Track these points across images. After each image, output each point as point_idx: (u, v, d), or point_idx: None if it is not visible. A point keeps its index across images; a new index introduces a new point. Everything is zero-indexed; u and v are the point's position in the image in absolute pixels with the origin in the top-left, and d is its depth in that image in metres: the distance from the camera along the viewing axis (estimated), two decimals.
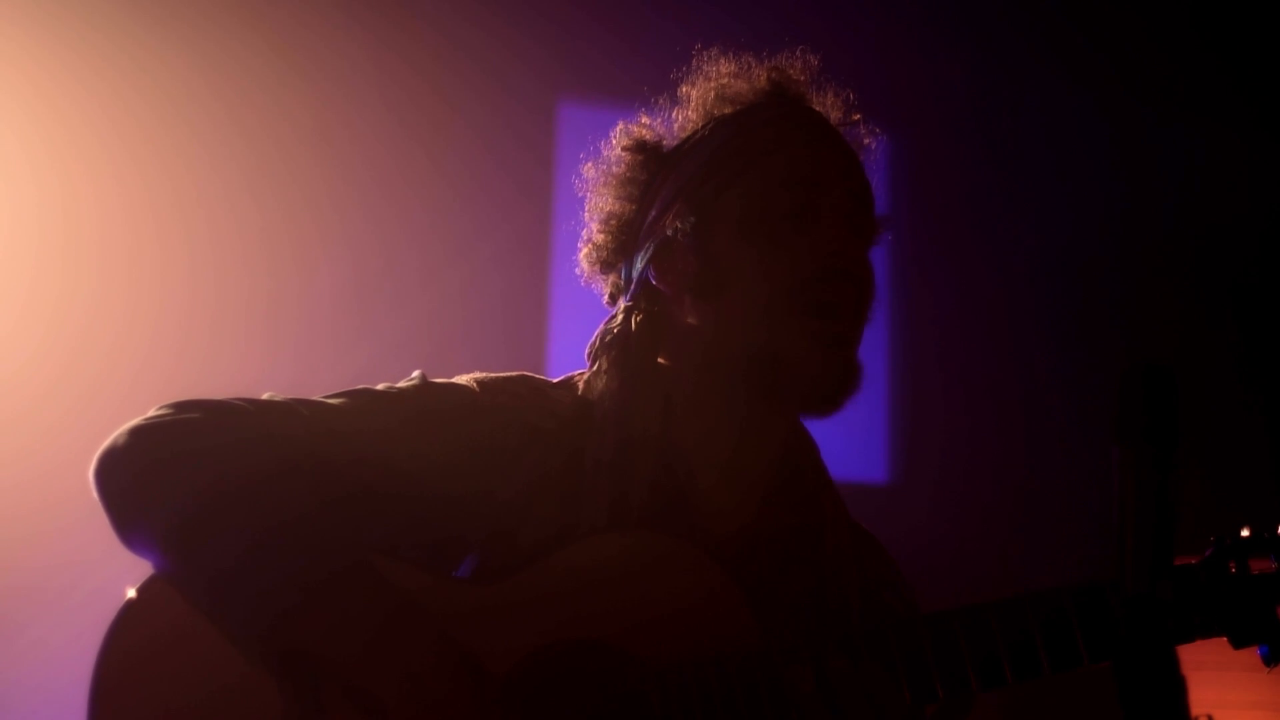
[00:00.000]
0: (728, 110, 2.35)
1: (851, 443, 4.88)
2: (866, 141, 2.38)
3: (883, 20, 4.89)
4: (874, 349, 4.94)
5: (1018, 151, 5.07)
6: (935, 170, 5.06)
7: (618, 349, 2.30)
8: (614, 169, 2.38)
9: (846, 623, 2.23)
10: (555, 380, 2.35)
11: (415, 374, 2.29)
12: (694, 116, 2.37)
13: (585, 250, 2.41)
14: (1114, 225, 5.05)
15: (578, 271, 2.43)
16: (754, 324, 2.22)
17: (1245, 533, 2.07)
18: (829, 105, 2.38)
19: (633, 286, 2.34)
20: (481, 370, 2.31)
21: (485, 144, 4.54)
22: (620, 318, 2.33)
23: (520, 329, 4.50)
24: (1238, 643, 2.05)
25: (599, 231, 2.39)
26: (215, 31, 4.28)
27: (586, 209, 2.41)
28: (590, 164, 2.41)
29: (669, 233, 2.29)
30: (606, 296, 2.42)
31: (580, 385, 2.32)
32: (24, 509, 3.98)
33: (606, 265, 2.40)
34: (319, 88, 4.37)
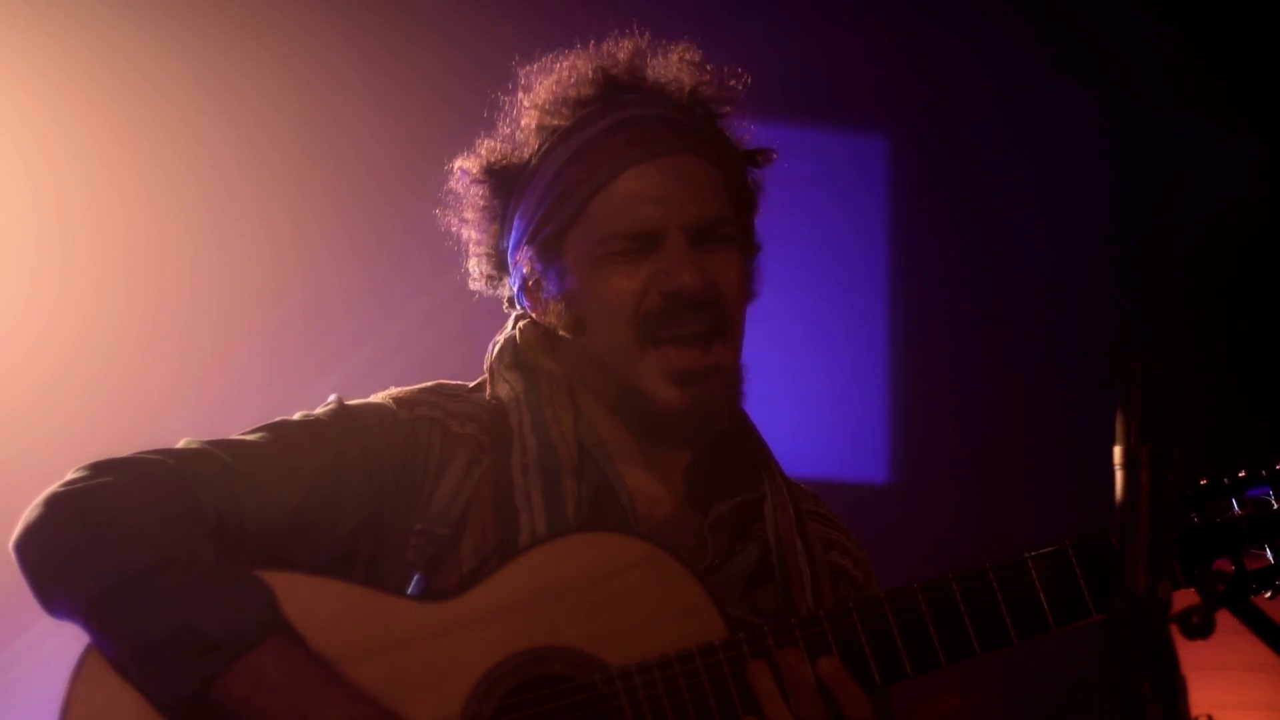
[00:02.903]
0: (563, 119, 2.32)
1: (851, 443, 4.87)
2: (730, 85, 2.34)
3: (885, 19, 4.89)
4: (875, 348, 4.97)
5: (1019, 150, 5.07)
6: (936, 169, 5.06)
7: (510, 355, 2.35)
8: (466, 200, 2.39)
9: (798, 595, 2.25)
10: (472, 384, 2.38)
11: (331, 398, 2.31)
12: (531, 125, 2.34)
13: (471, 269, 2.43)
14: (1117, 224, 5.04)
15: (471, 285, 2.45)
16: (614, 359, 2.27)
17: (1203, 481, 2.10)
18: (675, 68, 2.35)
19: (516, 302, 2.39)
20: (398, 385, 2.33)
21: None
22: (509, 326, 2.39)
23: None
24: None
25: (472, 256, 2.42)
26: (212, 32, 4.28)
27: (456, 232, 2.42)
28: (449, 194, 2.41)
29: (525, 271, 2.32)
30: (505, 303, 2.45)
31: (487, 387, 2.36)
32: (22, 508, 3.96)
33: (491, 281, 2.42)
34: (317, 89, 4.36)
